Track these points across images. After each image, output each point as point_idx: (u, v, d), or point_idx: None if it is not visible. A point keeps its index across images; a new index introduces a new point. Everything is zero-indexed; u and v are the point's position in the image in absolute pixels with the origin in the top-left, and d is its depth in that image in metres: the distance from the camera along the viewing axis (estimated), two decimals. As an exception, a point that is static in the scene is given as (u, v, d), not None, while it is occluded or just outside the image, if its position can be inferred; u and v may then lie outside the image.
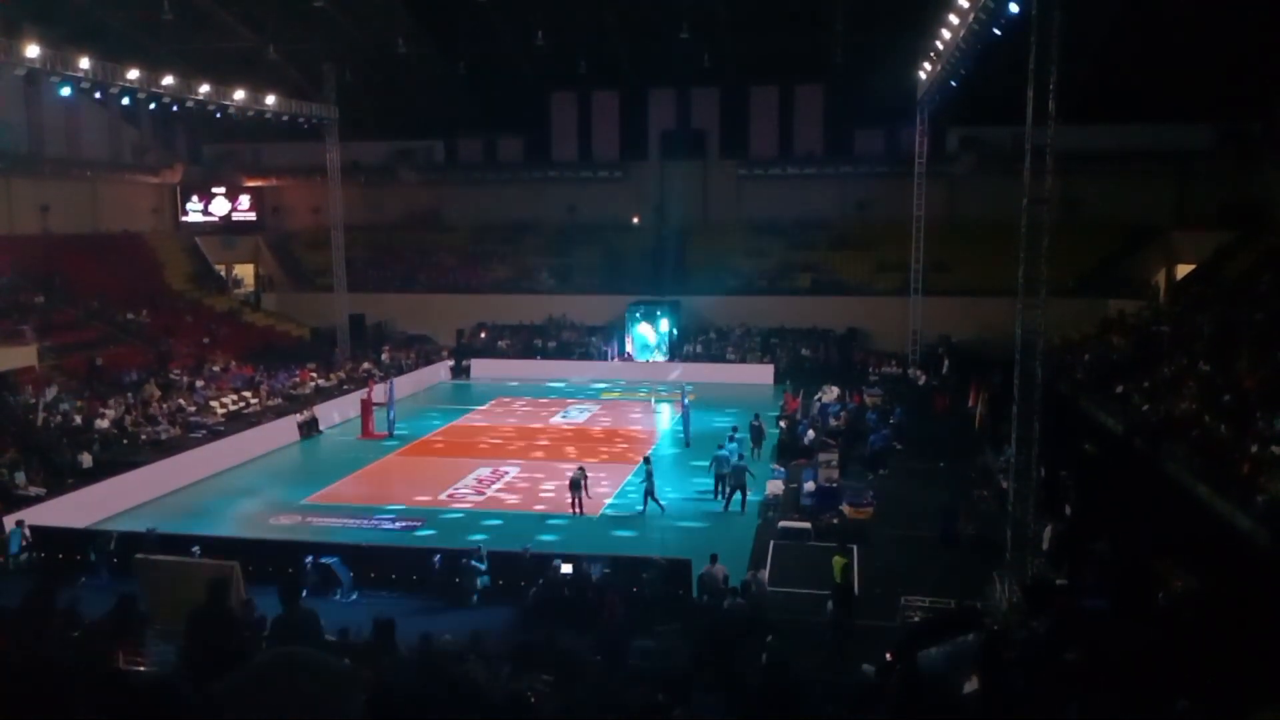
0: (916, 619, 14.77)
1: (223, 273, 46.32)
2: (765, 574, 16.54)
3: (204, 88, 30.53)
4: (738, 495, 21.56)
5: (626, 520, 21.45)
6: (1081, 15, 21.46)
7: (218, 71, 32.96)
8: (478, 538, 18.90)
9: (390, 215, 47.66)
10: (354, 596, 16.42)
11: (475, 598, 16.36)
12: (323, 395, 32.51)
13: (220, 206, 46.27)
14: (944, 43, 27.03)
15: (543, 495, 23.16)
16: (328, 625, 12.06)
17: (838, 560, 15.58)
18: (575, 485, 21.50)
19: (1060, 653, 10.49)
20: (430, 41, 39.36)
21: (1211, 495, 19.66)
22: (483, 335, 42.55)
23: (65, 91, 26.22)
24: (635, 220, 45.59)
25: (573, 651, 11.40)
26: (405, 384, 34.63)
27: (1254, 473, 19.08)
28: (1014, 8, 19.78)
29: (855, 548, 17.21)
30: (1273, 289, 29.53)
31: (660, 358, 39.63)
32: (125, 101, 29.25)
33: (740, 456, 22.53)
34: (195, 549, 16.45)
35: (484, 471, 25.33)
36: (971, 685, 8.03)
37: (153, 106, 29.85)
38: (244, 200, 46.78)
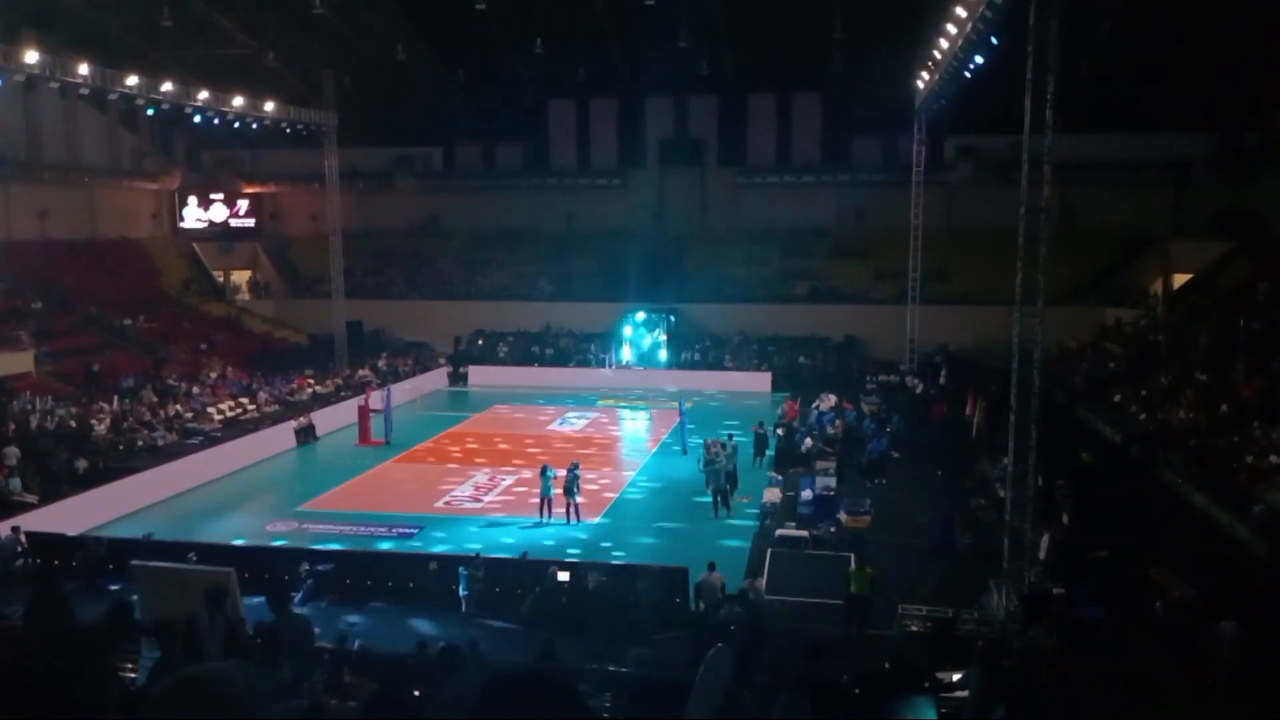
0: (914, 628, 14.74)
1: (220, 279, 46.30)
2: (762, 582, 16.49)
3: (203, 94, 30.56)
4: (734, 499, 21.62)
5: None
6: (1079, 25, 21.55)
7: (217, 78, 32.99)
8: (474, 545, 18.85)
9: (388, 222, 47.61)
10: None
11: (471, 605, 16.30)
12: (320, 402, 32.48)
13: (218, 213, 46.22)
14: (942, 52, 27.09)
15: (533, 501, 23.05)
16: (323, 633, 12.08)
17: (864, 572, 15.38)
18: (568, 490, 21.19)
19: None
20: (429, 49, 39.41)
21: (1209, 505, 19.65)
22: (480, 342, 42.53)
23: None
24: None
25: None
26: (403, 391, 34.55)
27: (1251, 482, 19.08)
28: (1011, 17, 19.83)
29: (852, 555, 17.18)
30: (1269, 298, 29.59)
31: (658, 366, 39.62)
32: (124, 108, 29.27)
33: (735, 466, 22.61)
34: (191, 555, 16.39)
35: (481, 478, 25.29)
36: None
37: (151, 112, 29.87)
38: (242, 206, 46.72)
